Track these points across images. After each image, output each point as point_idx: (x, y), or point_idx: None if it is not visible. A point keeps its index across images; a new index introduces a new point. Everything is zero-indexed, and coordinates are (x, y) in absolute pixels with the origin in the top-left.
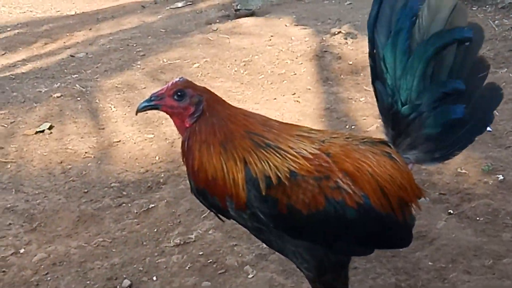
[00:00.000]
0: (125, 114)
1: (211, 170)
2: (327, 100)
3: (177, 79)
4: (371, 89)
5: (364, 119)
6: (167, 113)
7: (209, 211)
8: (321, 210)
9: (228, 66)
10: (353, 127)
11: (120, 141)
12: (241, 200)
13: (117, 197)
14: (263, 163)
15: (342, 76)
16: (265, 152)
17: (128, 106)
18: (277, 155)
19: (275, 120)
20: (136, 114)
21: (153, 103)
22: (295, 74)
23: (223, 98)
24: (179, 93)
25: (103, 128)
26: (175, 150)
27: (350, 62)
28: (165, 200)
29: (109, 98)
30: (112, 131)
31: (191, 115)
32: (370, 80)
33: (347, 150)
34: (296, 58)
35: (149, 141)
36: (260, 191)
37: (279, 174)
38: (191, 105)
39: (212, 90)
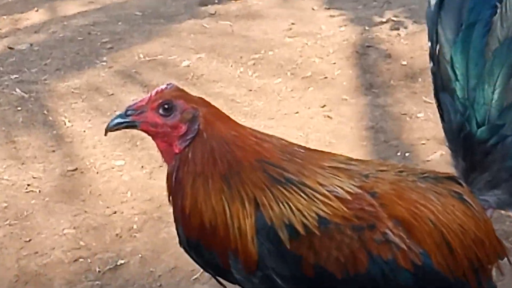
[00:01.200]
0: (85, 131)
1: (208, 214)
2: (371, 115)
3: (164, 85)
4: (434, 101)
5: (423, 143)
6: (148, 133)
7: (203, 271)
8: (363, 273)
9: (231, 66)
10: (407, 155)
11: (77, 169)
12: (250, 257)
13: (71, 249)
14: (281, 206)
15: (392, 82)
16: (284, 190)
17: (89, 120)
18: (302, 194)
19: (299, 145)
20: (106, 134)
21: (130, 119)
22: (326, 78)
23: (226, 113)
24: (165, 106)
25: (54, 151)
26: (154, 184)
27: (404, 63)
28: (140, 255)
29: (62, 108)
30: (66, 155)
31: (182, 137)
32: (432, 89)
33: (400, 189)
34: (328, 55)
35: (117, 170)
36: (278, 245)
37: (305, 222)
38: (182, 123)
39: (209, 99)
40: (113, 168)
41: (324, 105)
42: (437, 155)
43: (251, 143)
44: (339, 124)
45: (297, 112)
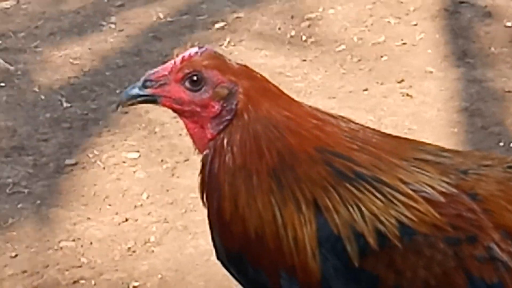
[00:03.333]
0: (87, 113)
1: (253, 220)
2: (465, 94)
3: (194, 49)
4: None
5: None
6: (173, 110)
7: None
8: None
9: (279, 28)
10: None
11: (77, 163)
12: (310, 277)
13: (70, 268)
14: (351, 210)
15: (493, 50)
16: (354, 189)
17: (93, 100)
18: (377, 194)
19: (373, 130)
20: (117, 109)
21: (148, 92)
22: (404, 43)
23: (280, 88)
24: (194, 78)
25: (46, 140)
26: (177, 183)
27: (509, 24)
28: (159, 276)
29: (58, 84)
30: (63, 145)
31: (215, 119)
32: None
33: (509, 190)
34: (407, 14)
35: (130, 164)
36: (347, 262)
37: (382, 230)
38: (214, 101)
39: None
40: (124, 162)
41: (402, 80)
42: None
43: (310, 127)
44: (421, 105)
45: (366, 90)
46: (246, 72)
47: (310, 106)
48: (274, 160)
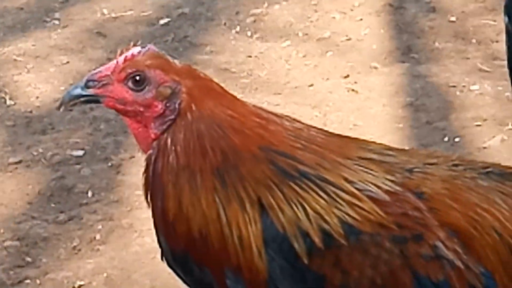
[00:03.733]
0: (31, 111)
1: (197, 220)
2: (409, 89)
3: (136, 48)
4: (497, 70)
5: (479, 125)
6: (116, 110)
7: None
8: None
9: (224, 24)
10: (457, 140)
11: (21, 161)
12: (256, 276)
13: (14, 267)
14: (295, 208)
15: (437, 45)
16: (298, 188)
17: (37, 97)
18: (322, 193)
19: (318, 129)
20: (60, 109)
21: (91, 92)
22: (349, 39)
23: (224, 87)
24: (136, 78)
25: None
26: (123, 181)
27: (453, 18)
28: (104, 274)
29: (1, 81)
30: (7, 144)
31: (159, 118)
32: (490, 53)
33: (455, 189)
34: (352, 9)
35: (75, 162)
36: (294, 262)
37: (327, 229)
38: (157, 100)
39: (196, 68)
40: (69, 160)
41: (347, 75)
42: (497, 140)
43: (253, 126)
44: (367, 100)
45: (311, 85)
46: (189, 71)
47: (254, 105)
48: (218, 159)
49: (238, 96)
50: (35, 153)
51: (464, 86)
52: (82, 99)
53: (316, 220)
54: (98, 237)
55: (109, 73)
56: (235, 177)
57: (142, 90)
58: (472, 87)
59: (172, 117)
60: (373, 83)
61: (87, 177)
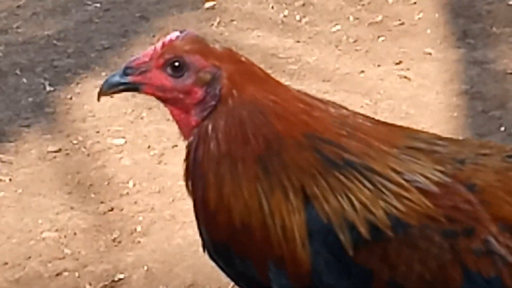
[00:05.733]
0: (71, 98)
1: (239, 210)
2: (465, 76)
3: (175, 33)
4: None
5: None
6: (156, 97)
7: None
8: None
9: (272, 7)
10: None
11: (60, 150)
12: (299, 268)
13: (53, 259)
14: (340, 199)
15: (494, 29)
16: (343, 178)
17: (77, 83)
18: (367, 183)
19: (365, 116)
20: (99, 99)
21: (130, 80)
22: (402, 23)
23: (266, 72)
24: (175, 64)
25: (29, 126)
26: (165, 171)
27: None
28: (145, 267)
29: (40, 66)
30: (46, 131)
31: (200, 105)
32: None
33: (508, 181)
34: None
35: (116, 151)
36: (339, 254)
37: (373, 221)
38: (197, 86)
39: (240, 52)
40: (109, 148)
41: (400, 62)
42: None
43: (297, 112)
44: (420, 88)
45: (362, 72)
46: (230, 55)
47: (298, 90)
48: (260, 147)
49: (285, 83)
50: (75, 142)
51: None
52: (121, 87)
53: (362, 212)
54: (139, 228)
55: (147, 59)
56: (278, 165)
57: (181, 76)
58: None
59: (213, 103)
60: (426, 69)
61: (128, 167)
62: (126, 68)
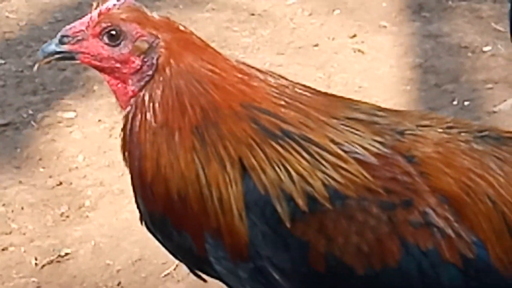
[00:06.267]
0: (22, 71)
1: (175, 180)
2: (419, 49)
3: (112, 1)
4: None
5: (490, 88)
6: (92, 67)
7: (177, 265)
8: (393, 267)
9: None
10: (466, 104)
11: (9, 123)
12: (236, 240)
13: (0, 234)
14: (277, 170)
15: (450, 3)
16: (281, 148)
17: (28, 56)
18: (305, 154)
19: (304, 86)
20: (36, 67)
21: (66, 48)
22: None
23: (205, 41)
24: (112, 32)
25: None
26: (116, 144)
27: None
28: (92, 242)
29: None
30: None
31: (136, 74)
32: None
33: (448, 153)
34: None
35: (66, 124)
36: (276, 226)
37: (310, 192)
38: (134, 55)
39: (194, 27)
40: (59, 122)
41: (354, 35)
42: (508, 105)
43: (235, 82)
44: (374, 61)
45: (316, 45)
46: (167, 24)
47: (236, 60)
48: (198, 117)
49: (239, 56)
50: (25, 115)
51: (476, 46)
52: (56, 56)
53: (299, 183)
54: (87, 203)
55: (83, 28)
56: (215, 135)
57: (118, 45)
58: (484, 48)
59: (150, 72)
60: (381, 43)
61: (78, 141)
62: (62, 36)
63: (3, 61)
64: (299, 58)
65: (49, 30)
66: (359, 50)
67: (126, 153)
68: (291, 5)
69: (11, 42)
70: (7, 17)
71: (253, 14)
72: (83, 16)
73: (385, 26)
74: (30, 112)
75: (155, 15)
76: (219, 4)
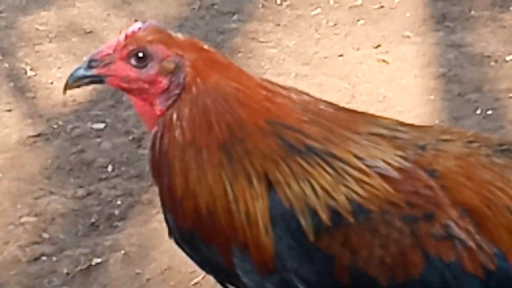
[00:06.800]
0: (52, 82)
1: (204, 196)
2: (443, 59)
3: (137, 24)
4: None
5: None
6: (121, 89)
7: (206, 274)
8: (416, 278)
9: None
10: (489, 113)
11: (40, 134)
12: (263, 254)
13: (31, 244)
14: (302, 185)
15: (473, 12)
16: (305, 163)
17: (59, 67)
18: (329, 169)
19: (327, 102)
20: (65, 92)
21: (95, 72)
22: (382, 7)
23: (229, 60)
24: (139, 54)
25: (10, 110)
26: (144, 155)
27: None
28: (123, 252)
29: (22, 51)
30: (27, 116)
31: (163, 94)
32: None
33: (468, 167)
34: None
35: (95, 135)
36: (301, 240)
37: (334, 206)
38: (162, 76)
39: (222, 37)
40: (89, 133)
41: (379, 45)
42: None
43: (260, 99)
44: (398, 71)
45: (341, 55)
46: (192, 44)
47: (260, 78)
48: (224, 134)
49: (265, 67)
50: (55, 126)
51: (499, 56)
52: (86, 80)
53: (323, 197)
54: (116, 213)
55: (111, 51)
56: (242, 152)
57: (145, 66)
58: (507, 58)
59: (177, 92)
60: (405, 53)
61: (107, 151)
62: (91, 60)
63: (33, 73)
64: (324, 69)
65: (78, 42)
66: (383, 60)
67: (155, 171)
68: (315, 16)
69: (41, 54)
70: (37, 29)
71: (278, 25)
72: (112, 28)
73: (408, 36)
74: (60, 123)
75: (179, 35)
76: (245, 15)
